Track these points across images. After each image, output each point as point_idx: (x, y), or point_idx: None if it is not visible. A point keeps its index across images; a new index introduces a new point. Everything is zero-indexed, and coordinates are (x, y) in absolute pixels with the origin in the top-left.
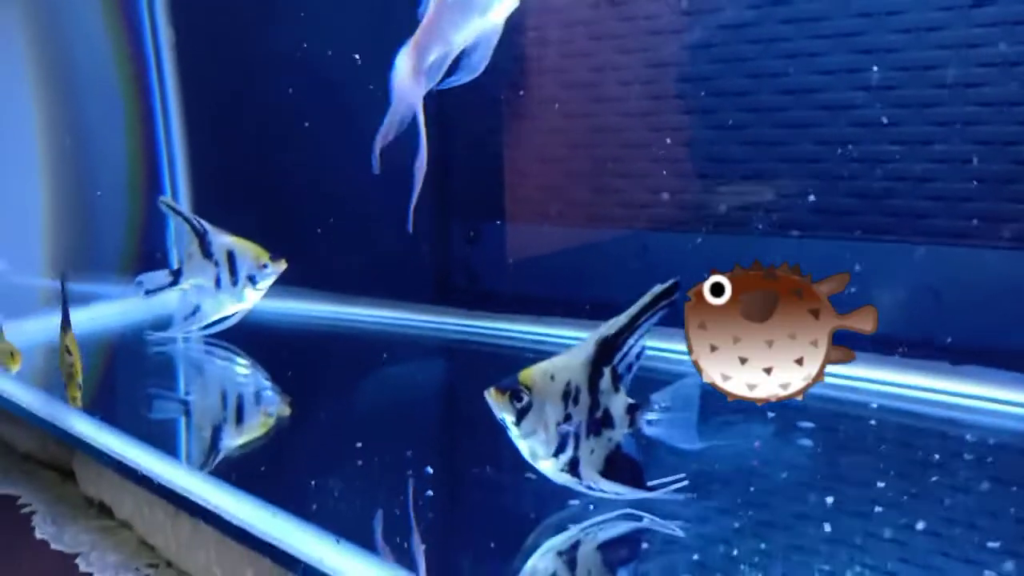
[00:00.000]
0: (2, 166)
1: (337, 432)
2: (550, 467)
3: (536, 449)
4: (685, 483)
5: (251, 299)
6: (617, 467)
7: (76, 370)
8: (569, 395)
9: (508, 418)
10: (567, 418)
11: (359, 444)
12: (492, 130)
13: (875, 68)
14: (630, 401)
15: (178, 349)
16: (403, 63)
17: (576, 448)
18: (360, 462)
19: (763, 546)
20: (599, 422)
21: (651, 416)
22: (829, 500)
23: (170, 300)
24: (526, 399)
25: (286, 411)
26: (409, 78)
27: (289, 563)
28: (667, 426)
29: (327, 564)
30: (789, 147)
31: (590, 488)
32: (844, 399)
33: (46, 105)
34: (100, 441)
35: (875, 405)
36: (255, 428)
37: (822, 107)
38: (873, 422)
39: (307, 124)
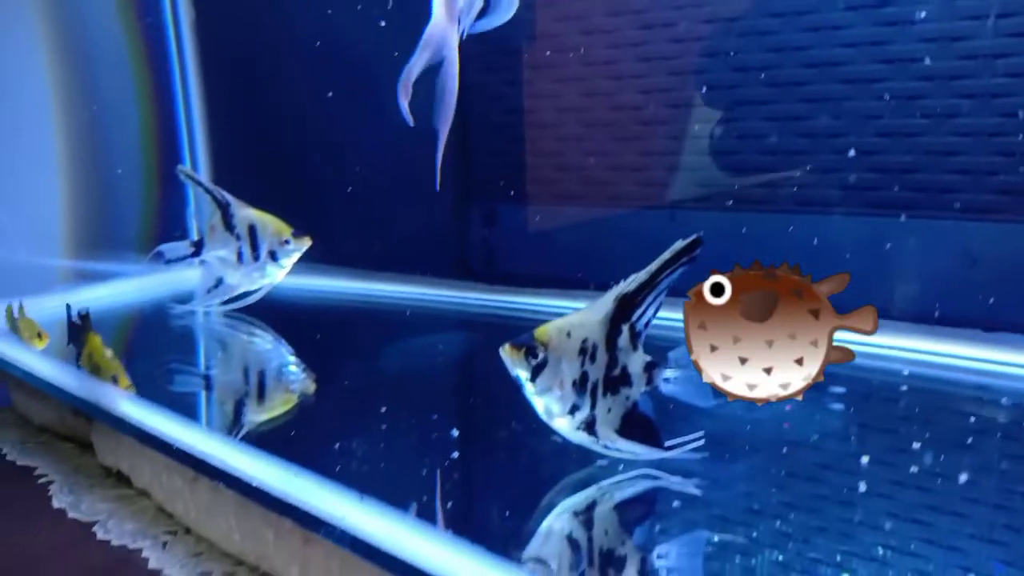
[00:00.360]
0: (20, 143)
1: (361, 399)
2: (566, 425)
3: (551, 406)
4: (702, 442)
5: (276, 275)
6: (634, 426)
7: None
8: (586, 352)
9: (523, 374)
10: (584, 376)
11: (384, 409)
12: (512, 110)
13: (899, 43)
14: (648, 359)
15: (199, 322)
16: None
17: (593, 406)
18: (384, 425)
19: (796, 509)
20: (616, 380)
21: (668, 374)
22: (863, 460)
23: (190, 276)
24: (541, 356)
25: (309, 380)
26: (443, 20)
27: (312, 523)
28: (683, 384)
29: (349, 523)
30: (811, 122)
31: (606, 447)
32: (876, 367)
33: (62, 82)
34: (120, 409)
35: (907, 372)
36: (278, 396)
37: (846, 81)
38: (905, 388)
39: (330, 94)
